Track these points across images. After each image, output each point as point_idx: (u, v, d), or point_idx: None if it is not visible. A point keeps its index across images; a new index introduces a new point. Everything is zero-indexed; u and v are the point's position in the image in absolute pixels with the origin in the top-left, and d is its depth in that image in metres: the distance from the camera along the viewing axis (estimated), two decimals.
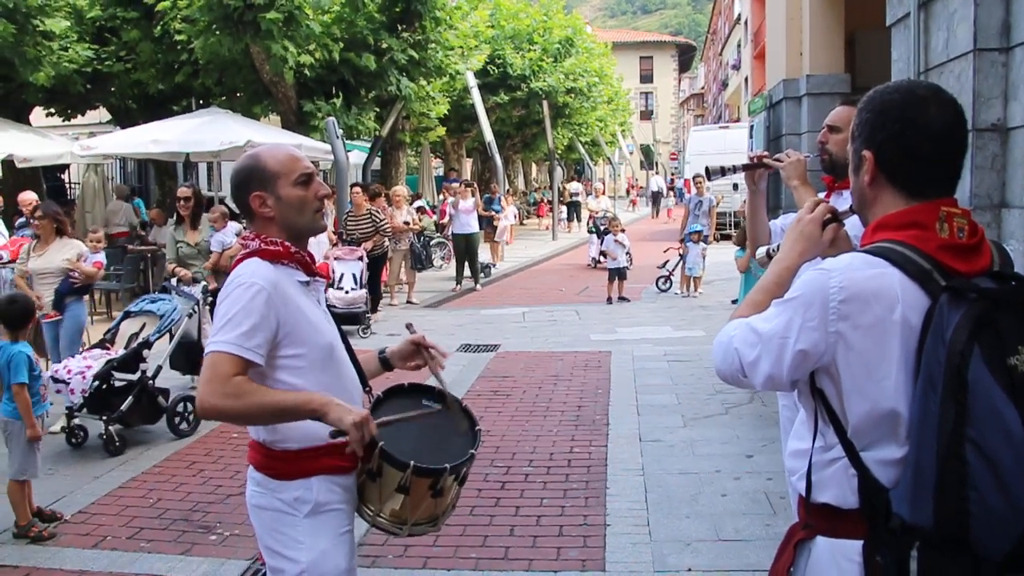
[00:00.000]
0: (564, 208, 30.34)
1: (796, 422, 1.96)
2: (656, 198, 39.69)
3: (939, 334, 1.60)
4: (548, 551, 4.45)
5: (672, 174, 56.21)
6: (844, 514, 1.76)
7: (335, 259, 11.07)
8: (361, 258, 11.13)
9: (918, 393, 1.63)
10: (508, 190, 26.34)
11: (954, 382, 1.56)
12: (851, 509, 1.75)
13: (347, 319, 10.27)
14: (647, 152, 63.98)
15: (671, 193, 43.23)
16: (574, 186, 33.08)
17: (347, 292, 10.76)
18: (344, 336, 2.59)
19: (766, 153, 3.40)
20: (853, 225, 3.15)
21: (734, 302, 12.84)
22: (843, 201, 3.25)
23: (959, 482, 1.55)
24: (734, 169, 3.47)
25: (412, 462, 2.31)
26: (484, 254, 17.29)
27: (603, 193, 22.52)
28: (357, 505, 2.50)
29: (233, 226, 8.17)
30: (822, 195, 3.35)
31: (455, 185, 16.92)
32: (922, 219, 1.73)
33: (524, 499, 5.13)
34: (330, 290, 10.48)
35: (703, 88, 79.85)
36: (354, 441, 2.22)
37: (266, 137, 12.59)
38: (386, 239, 12.20)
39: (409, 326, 2.77)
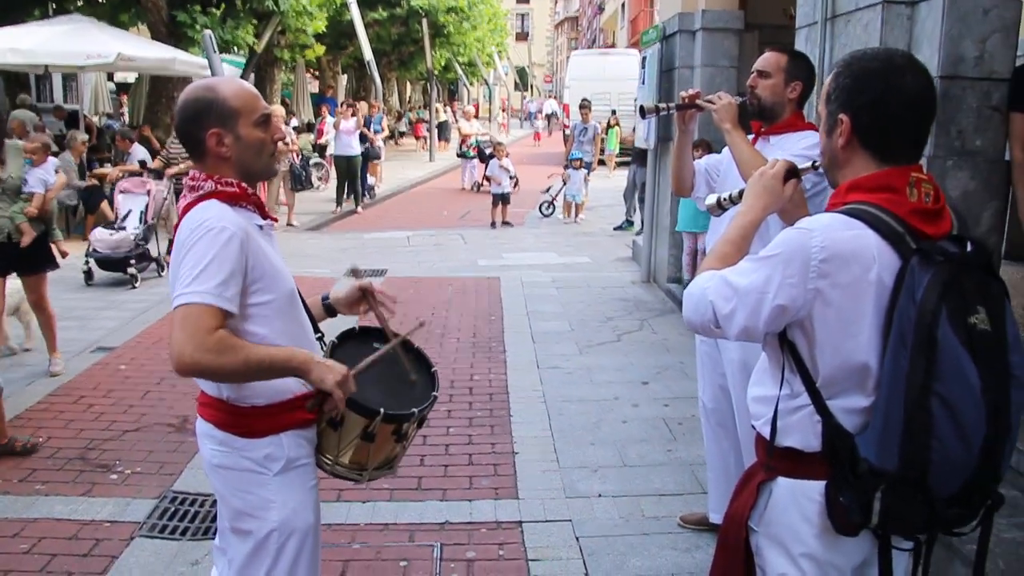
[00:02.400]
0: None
1: (757, 369, 2.05)
2: (551, 119, 40.19)
3: (910, 294, 1.70)
4: (460, 480, 4.52)
5: (550, 96, 56.58)
6: (807, 457, 1.86)
7: (120, 192, 9.68)
8: (150, 191, 9.62)
9: (889, 348, 1.73)
10: (383, 107, 25.77)
11: (924, 339, 1.66)
12: (813, 452, 1.85)
13: (111, 264, 9.10)
14: (522, 74, 63.77)
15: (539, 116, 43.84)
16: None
17: (113, 234, 9.16)
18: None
19: (699, 91, 3.44)
20: (776, 150, 3.26)
21: (616, 228, 13.14)
22: (770, 147, 3.37)
23: (924, 431, 1.67)
24: (668, 108, 3.50)
25: (382, 409, 2.26)
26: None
27: (475, 116, 22.25)
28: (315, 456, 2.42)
29: (52, 161, 6.86)
30: (750, 139, 3.46)
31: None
32: (894, 183, 1.82)
33: (431, 428, 5.16)
34: (96, 230, 9.35)
35: (578, 11, 79.72)
36: (338, 400, 2.15)
37: (137, 50, 11.85)
38: None
39: (356, 271, 2.69)
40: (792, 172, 2.09)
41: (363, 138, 15.74)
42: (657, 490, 4.39)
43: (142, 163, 11.03)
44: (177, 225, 2.22)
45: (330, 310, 2.66)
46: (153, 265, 9.56)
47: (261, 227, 2.30)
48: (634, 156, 12.98)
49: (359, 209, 15.42)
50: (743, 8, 8.12)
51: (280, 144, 2.43)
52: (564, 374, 6.24)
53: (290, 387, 2.25)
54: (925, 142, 1.89)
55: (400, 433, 2.39)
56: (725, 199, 2.34)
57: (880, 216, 1.77)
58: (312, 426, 2.36)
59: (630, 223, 13.11)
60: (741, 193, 2.24)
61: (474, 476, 4.57)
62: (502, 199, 13.85)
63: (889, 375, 1.72)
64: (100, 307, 8.15)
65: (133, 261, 9.18)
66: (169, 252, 9.42)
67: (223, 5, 14.39)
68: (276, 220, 2.45)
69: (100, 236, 9.17)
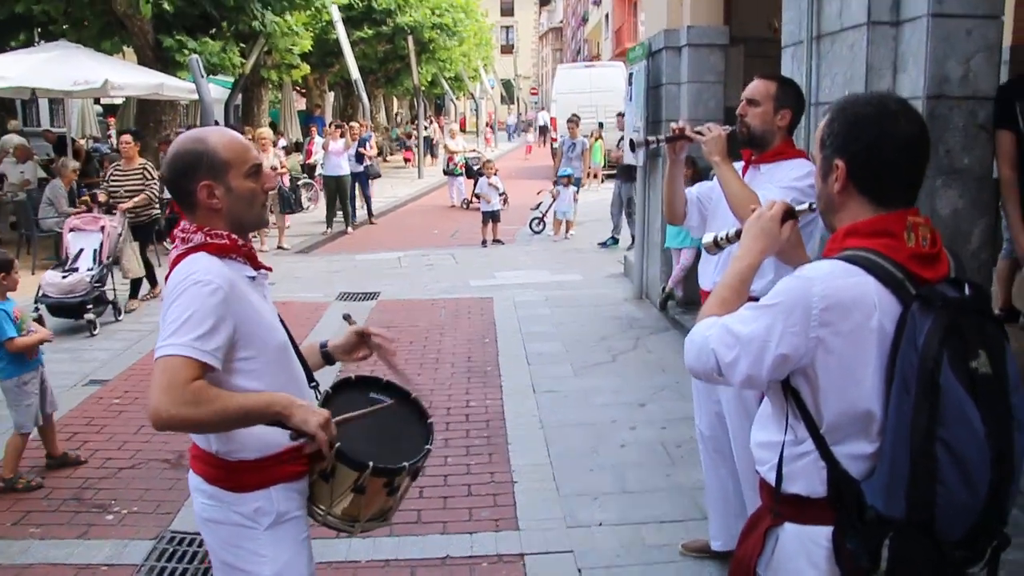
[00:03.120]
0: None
1: (760, 414, 2.04)
2: (544, 131, 40.32)
3: (912, 340, 1.70)
4: (460, 512, 4.50)
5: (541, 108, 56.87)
6: (813, 502, 1.86)
7: (70, 230, 8.68)
8: (103, 228, 8.63)
9: (893, 395, 1.73)
10: (370, 124, 25.79)
11: (927, 386, 1.67)
12: (819, 498, 1.85)
13: (64, 311, 8.14)
14: (508, 86, 63.95)
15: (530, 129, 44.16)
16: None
17: (65, 277, 8.15)
18: (287, 329, 2.49)
19: (687, 126, 3.45)
20: (766, 179, 3.27)
21: (601, 244, 13.15)
22: (761, 176, 3.38)
23: (930, 477, 1.68)
24: (657, 142, 3.52)
25: (371, 463, 2.24)
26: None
27: (458, 133, 22.20)
28: (307, 506, 2.41)
29: None
30: (739, 167, 3.47)
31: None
32: (892, 228, 1.82)
33: (429, 457, 5.13)
34: (47, 273, 8.39)
35: (562, 22, 80.00)
36: (321, 443, 2.12)
37: (125, 76, 11.84)
38: (155, 205, 9.85)
39: (347, 317, 2.68)
40: (789, 214, 2.09)
41: (360, 157, 15.77)
42: (657, 517, 4.37)
43: (92, 196, 9.95)
44: (168, 276, 2.22)
45: (328, 358, 2.64)
46: (110, 309, 8.73)
47: (254, 278, 2.30)
48: (619, 172, 13.02)
49: (349, 229, 15.41)
50: (727, 23, 8.16)
51: (269, 168, 2.42)
52: (560, 397, 6.23)
53: (279, 440, 2.23)
54: (920, 185, 1.90)
55: (392, 486, 2.37)
56: (722, 238, 2.34)
57: (879, 262, 1.78)
58: (303, 478, 2.35)
59: (615, 240, 13.13)
60: (738, 233, 2.24)
61: (474, 507, 4.55)
62: (492, 217, 13.86)
63: (893, 422, 1.73)
64: (92, 338, 8.09)
65: (90, 306, 8.23)
66: (134, 295, 8.82)
67: (209, 27, 14.38)
68: (270, 270, 2.44)
69: (51, 280, 8.16)
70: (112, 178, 9.57)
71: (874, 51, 4.24)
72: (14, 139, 15.44)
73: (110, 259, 8.70)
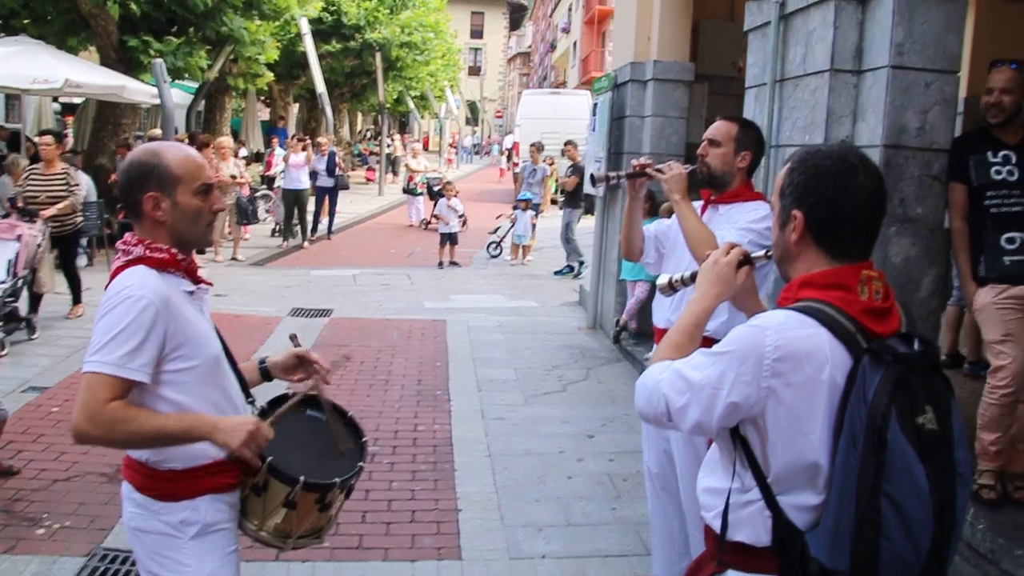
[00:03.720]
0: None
1: (708, 459, 2.03)
2: (510, 154, 40.49)
3: (861, 394, 1.71)
4: (402, 539, 4.43)
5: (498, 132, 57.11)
6: (757, 551, 1.85)
7: None
8: (20, 236, 7.72)
9: (840, 448, 1.73)
10: (334, 139, 25.67)
11: (875, 440, 1.67)
12: (764, 547, 1.84)
13: None
14: (473, 108, 64.12)
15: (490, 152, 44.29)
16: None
17: None
18: (226, 345, 2.46)
19: (650, 162, 3.46)
20: (724, 219, 3.29)
21: (557, 273, 13.18)
22: (719, 216, 3.39)
23: (874, 531, 1.67)
24: (617, 177, 3.52)
25: (302, 477, 2.26)
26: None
27: (419, 154, 22.13)
28: (239, 520, 2.40)
29: None
30: (698, 205, 3.48)
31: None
32: (846, 281, 1.83)
33: (373, 481, 5.06)
34: None
35: (531, 47, 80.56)
36: (248, 461, 2.18)
37: (86, 76, 11.60)
38: (78, 213, 9.08)
39: (293, 338, 2.68)
40: (745, 260, 2.09)
41: (332, 171, 15.66)
42: (602, 551, 4.34)
43: (11, 200, 8.92)
44: (106, 286, 2.24)
45: (266, 374, 2.66)
46: (23, 326, 7.92)
47: (192, 292, 2.32)
48: (566, 199, 13.21)
49: (306, 244, 15.27)
50: (693, 59, 8.26)
51: (228, 177, 2.46)
52: (509, 425, 6.19)
53: (208, 452, 2.25)
54: (876, 238, 1.91)
55: (324, 503, 2.38)
56: (677, 280, 2.34)
57: (833, 315, 1.78)
58: (233, 490, 2.36)
59: (570, 268, 13.18)
60: (693, 276, 2.24)
61: (416, 535, 4.48)
62: (450, 239, 13.82)
63: (840, 474, 1.72)
64: (34, 343, 7.88)
65: (0, 323, 7.48)
66: (35, 309, 8.21)
67: (176, 31, 14.20)
68: (210, 285, 2.46)
69: None
70: (30, 182, 8.60)
71: (835, 98, 4.31)
72: None
73: (27, 272, 7.80)
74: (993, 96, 4.29)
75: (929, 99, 4.12)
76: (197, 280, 2.35)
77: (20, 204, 8.45)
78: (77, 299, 9.09)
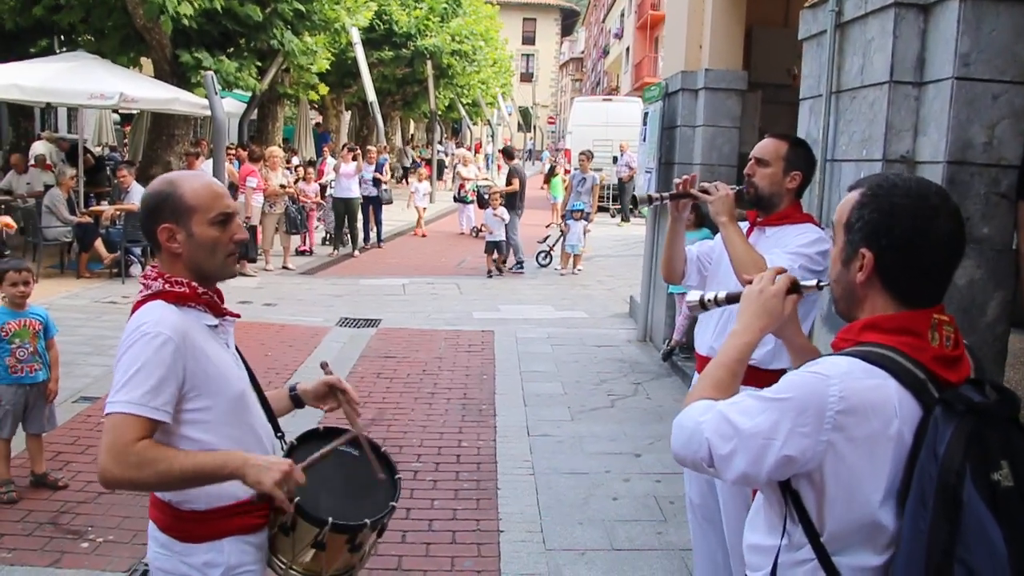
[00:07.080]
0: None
1: (753, 513, 1.89)
2: (553, 170, 40.34)
3: (931, 450, 1.56)
4: (442, 560, 4.34)
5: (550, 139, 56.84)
6: None
7: None
8: None
9: (908, 508, 1.58)
10: (385, 146, 25.81)
11: (947, 501, 1.52)
12: None
13: None
14: (525, 114, 64.05)
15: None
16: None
17: None
18: (253, 376, 2.39)
19: (694, 176, 3.32)
20: (772, 242, 3.14)
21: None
22: (765, 238, 3.25)
23: None
24: (661, 198, 3.38)
25: (330, 519, 2.17)
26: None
27: (471, 162, 22.08)
28: (268, 557, 2.32)
29: None
30: (744, 226, 3.33)
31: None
32: (916, 327, 1.68)
33: (415, 500, 4.99)
34: None
35: (583, 53, 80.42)
36: (279, 503, 2.08)
37: (140, 90, 11.80)
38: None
39: (324, 365, 2.59)
40: (794, 287, 1.95)
41: (377, 182, 15.68)
42: None
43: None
44: (128, 321, 2.18)
45: (297, 401, 2.57)
46: None
47: (215, 326, 2.23)
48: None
49: (356, 253, 15.32)
50: (746, 67, 8.06)
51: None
52: (555, 442, 6.07)
53: (232, 492, 2.16)
54: (949, 283, 1.75)
55: (354, 544, 2.27)
56: (710, 300, 2.19)
57: (902, 363, 1.63)
58: (260, 531, 2.28)
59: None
60: (728, 297, 2.11)
61: (456, 556, 4.39)
62: (496, 247, 13.76)
63: (908, 538, 1.57)
64: (87, 352, 7.96)
65: None
66: None
67: (228, 46, 14.35)
68: (237, 316, 2.36)
69: None
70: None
71: (894, 111, 4.12)
72: (39, 147, 15.52)
73: None
74: None
75: (997, 112, 3.91)
76: (221, 312, 2.27)
77: None
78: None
